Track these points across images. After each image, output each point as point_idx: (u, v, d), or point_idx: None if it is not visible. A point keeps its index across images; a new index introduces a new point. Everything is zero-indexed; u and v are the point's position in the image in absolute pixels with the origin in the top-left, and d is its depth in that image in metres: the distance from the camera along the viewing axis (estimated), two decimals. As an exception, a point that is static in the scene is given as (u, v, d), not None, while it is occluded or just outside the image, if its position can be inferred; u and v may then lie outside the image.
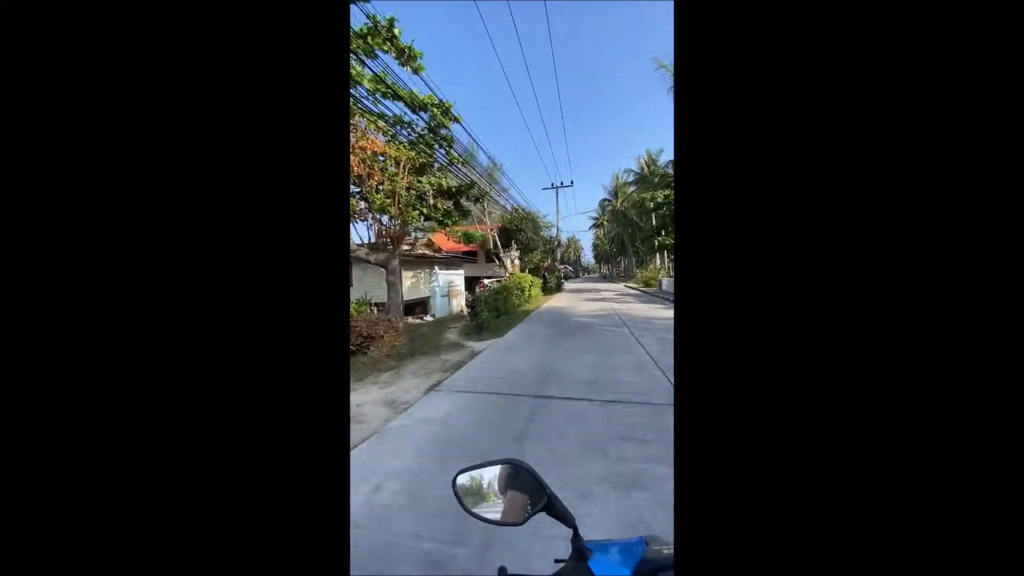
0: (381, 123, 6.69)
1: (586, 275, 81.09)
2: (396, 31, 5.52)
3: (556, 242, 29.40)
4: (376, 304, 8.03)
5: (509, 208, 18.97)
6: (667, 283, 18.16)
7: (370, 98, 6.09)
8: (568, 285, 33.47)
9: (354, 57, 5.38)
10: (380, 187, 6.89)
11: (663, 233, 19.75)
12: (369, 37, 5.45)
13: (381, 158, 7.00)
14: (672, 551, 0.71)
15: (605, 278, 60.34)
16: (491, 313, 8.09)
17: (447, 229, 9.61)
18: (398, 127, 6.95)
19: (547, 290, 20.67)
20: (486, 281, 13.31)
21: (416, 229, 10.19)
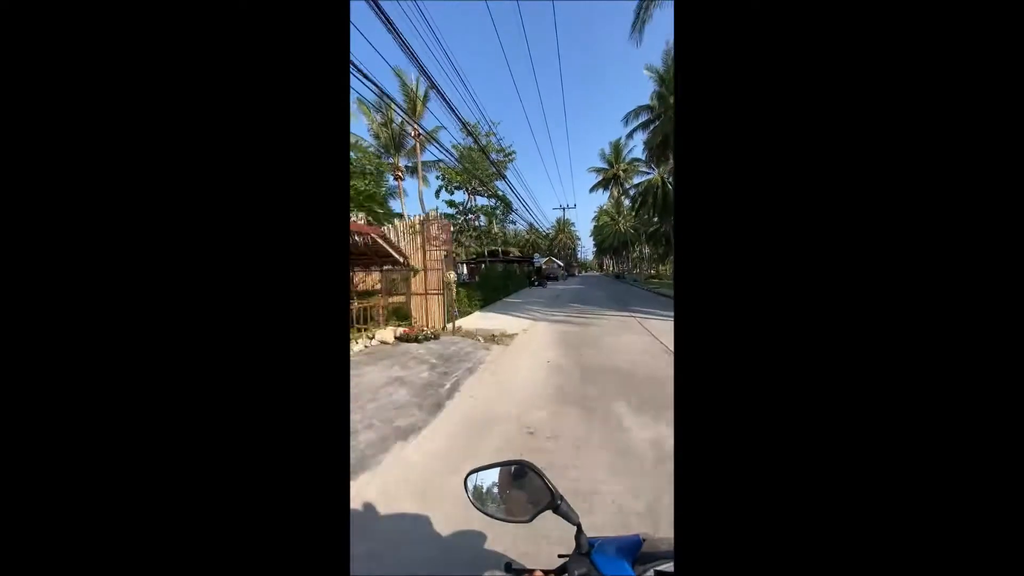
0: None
1: (583, 272, 70.19)
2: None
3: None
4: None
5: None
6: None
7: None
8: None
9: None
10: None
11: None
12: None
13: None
14: (668, 546, 0.73)
15: (619, 279, 36.52)
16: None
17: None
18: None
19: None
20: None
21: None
